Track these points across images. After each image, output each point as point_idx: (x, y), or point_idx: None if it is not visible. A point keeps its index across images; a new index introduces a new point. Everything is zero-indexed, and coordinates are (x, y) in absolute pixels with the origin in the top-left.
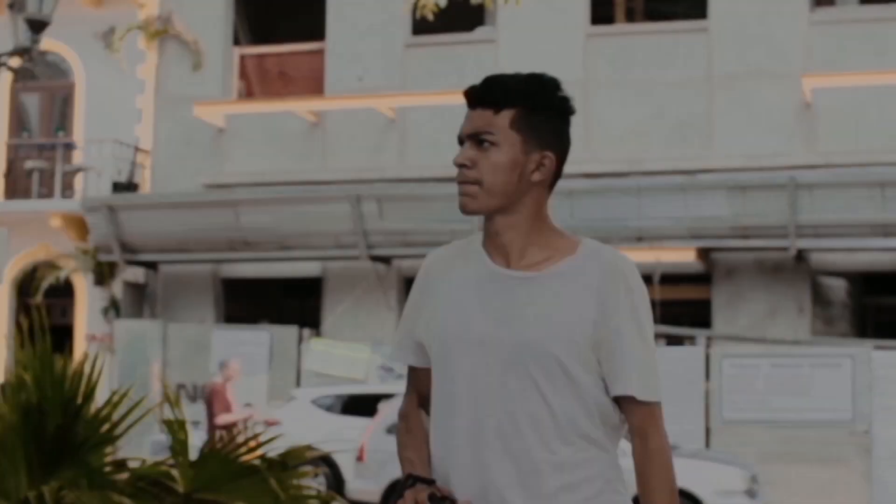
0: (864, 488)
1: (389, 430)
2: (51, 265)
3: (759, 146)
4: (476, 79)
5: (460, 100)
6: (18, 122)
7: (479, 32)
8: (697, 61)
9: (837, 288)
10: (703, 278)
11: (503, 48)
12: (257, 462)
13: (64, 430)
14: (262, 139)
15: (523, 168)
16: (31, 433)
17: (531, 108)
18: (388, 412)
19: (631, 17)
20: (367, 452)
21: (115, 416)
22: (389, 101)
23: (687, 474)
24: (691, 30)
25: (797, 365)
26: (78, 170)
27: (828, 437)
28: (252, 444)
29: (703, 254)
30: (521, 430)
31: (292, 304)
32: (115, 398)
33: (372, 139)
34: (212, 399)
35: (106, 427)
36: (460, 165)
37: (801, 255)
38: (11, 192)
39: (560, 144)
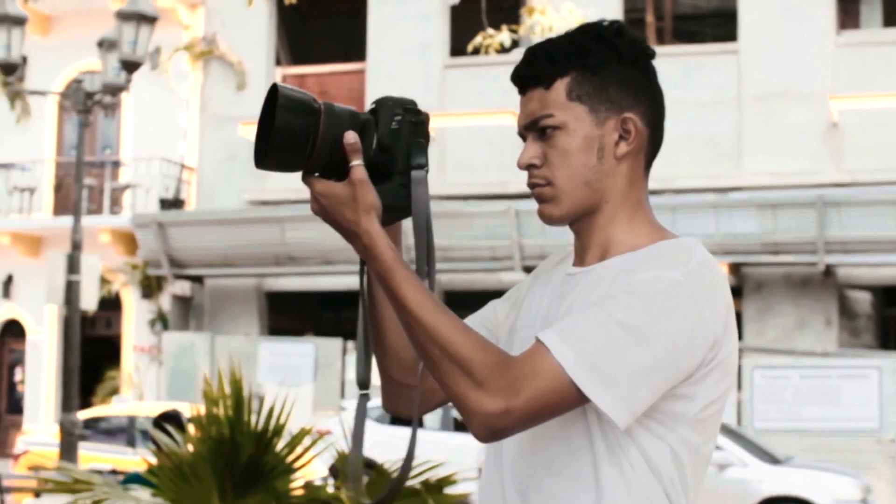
0: (890, 494)
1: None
2: (100, 279)
3: (787, 165)
4: (513, 99)
5: (498, 120)
6: (66, 140)
7: (516, 54)
8: (727, 82)
9: (863, 301)
10: (733, 292)
11: None
12: (418, 485)
13: (255, 460)
14: None
15: (601, 143)
16: (223, 462)
17: (590, 68)
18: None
19: (661, 37)
20: None
21: (300, 448)
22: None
23: (805, 484)
24: (721, 52)
25: (825, 376)
26: (126, 187)
27: (855, 446)
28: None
29: (734, 269)
30: (528, 455)
31: (334, 316)
32: (301, 432)
33: None
34: None
35: (292, 457)
36: (527, 167)
37: (828, 270)
38: (61, 209)
39: (643, 101)
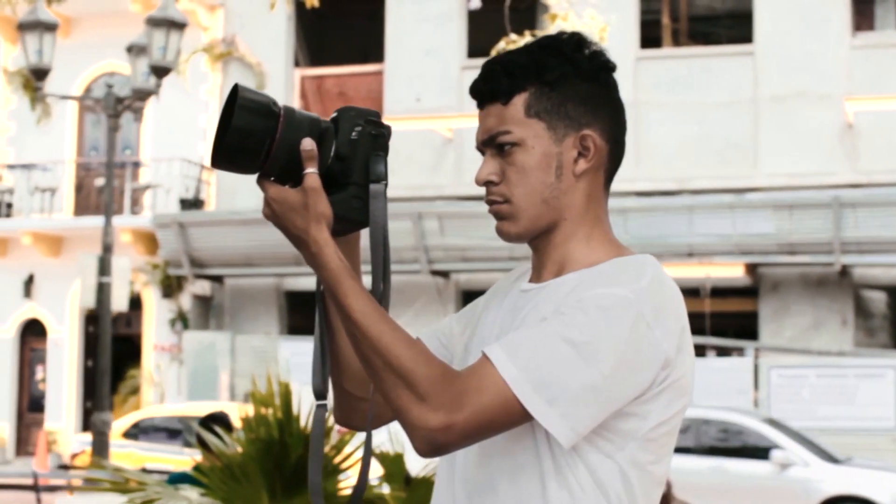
0: None
1: None
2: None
3: (803, 166)
4: None
5: None
6: (87, 140)
7: None
8: (743, 84)
9: (878, 301)
10: (750, 292)
11: None
12: None
13: (304, 461)
14: None
15: (560, 160)
16: (272, 463)
17: (548, 83)
18: None
19: (676, 38)
20: None
21: (348, 449)
22: (447, 121)
23: (867, 483)
24: (737, 53)
25: (842, 375)
26: (147, 187)
27: (872, 444)
28: None
29: (751, 269)
30: (477, 470)
31: None
32: (348, 435)
33: (430, 158)
34: None
35: (340, 458)
36: (484, 183)
37: (844, 270)
38: (82, 209)
39: (603, 117)
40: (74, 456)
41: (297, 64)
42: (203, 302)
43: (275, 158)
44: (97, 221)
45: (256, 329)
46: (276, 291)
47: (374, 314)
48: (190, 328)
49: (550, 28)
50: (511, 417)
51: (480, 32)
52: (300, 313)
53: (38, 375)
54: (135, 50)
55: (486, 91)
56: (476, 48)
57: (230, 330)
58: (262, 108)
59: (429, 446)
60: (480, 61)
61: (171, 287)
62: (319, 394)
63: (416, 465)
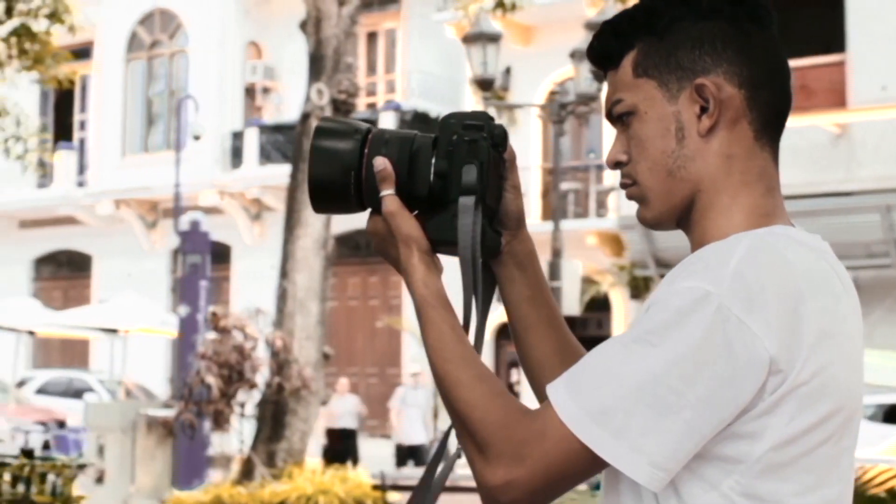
0: None
1: None
2: (588, 280)
3: None
4: None
5: None
6: (552, 145)
7: None
8: None
9: None
10: None
11: None
12: (882, 494)
13: None
14: (783, 153)
15: (679, 121)
16: None
17: (657, 33)
18: None
19: None
20: None
21: None
22: None
23: None
24: None
25: None
26: (611, 189)
27: None
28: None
29: None
30: None
31: None
32: None
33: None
34: None
35: None
36: (614, 165)
37: None
38: (550, 214)
39: (729, 58)
40: None
41: None
42: None
43: (370, 193)
44: (565, 225)
45: None
46: None
47: (447, 348)
48: None
49: None
50: (581, 464)
51: None
52: None
53: (514, 378)
54: (577, 55)
55: (595, 57)
56: None
57: None
58: (338, 151)
59: None
60: None
61: (638, 288)
62: None
63: None
